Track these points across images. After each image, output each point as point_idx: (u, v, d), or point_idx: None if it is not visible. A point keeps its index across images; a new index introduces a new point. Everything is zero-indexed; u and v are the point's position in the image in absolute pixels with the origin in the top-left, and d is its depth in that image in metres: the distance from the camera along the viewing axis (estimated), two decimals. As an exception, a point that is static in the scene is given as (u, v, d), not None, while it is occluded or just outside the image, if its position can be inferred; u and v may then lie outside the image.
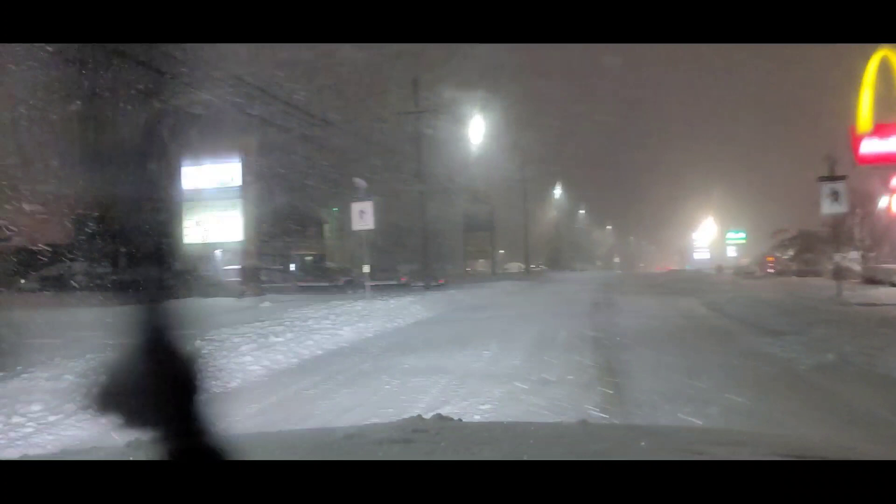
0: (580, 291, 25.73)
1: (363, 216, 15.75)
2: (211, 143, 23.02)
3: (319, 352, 9.58)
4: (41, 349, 9.86)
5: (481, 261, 55.69)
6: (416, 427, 1.69)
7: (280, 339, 9.75)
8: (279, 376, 7.78)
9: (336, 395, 6.51)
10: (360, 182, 16.79)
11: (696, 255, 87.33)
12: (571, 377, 6.97)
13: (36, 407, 5.78)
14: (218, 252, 23.49)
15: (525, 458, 1.34)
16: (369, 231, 16.15)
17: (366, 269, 16.73)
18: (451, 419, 2.02)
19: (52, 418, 5.56)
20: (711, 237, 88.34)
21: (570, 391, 6.28)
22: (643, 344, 9.51)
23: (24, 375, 7.31)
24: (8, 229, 30.80)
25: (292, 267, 40.17)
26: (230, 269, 22.89)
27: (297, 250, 43.14)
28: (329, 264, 47.23)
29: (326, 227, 54.33)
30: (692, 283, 31.14)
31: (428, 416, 1.98)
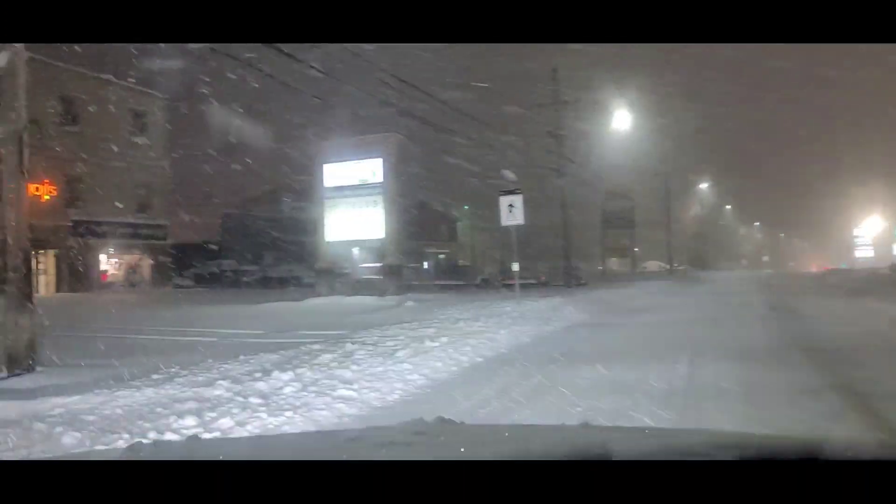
0: (743, 293, 23.44)
1: (512, 210, 14.71)
2: (352, 138, 22.91)
3: (479, 359, 8.63)
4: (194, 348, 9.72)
5: (613, 259, 53.25)
6: (417, 430, 1.66)
7: (436, 344, 8.91)
8: (443, 388, 6.87)
9: (516, 417, 5.49)
10: (508, 174, 15.79)
11: (859, 253, 79.65)
12: (826, 407, 5.52)
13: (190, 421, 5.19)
14: (355, 250, 23.33)
15: (525, 459, 1.28)
16: (519, 226, 15.07)
17: (515, 267, 15.69)
18: (454, 421, 2.00)
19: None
20: (876, 234, 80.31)
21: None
22: (878, 358, 7.83)
23: (179, 379, 6.88)
24: (161, 228, 32.45)
25: (425, 265, 40.06)
26: (368, 266, 22.63)
27: (430, 248, 43.06)
28: (462, 262, 46.75)
29: (459, 226, 54.07)
30: (868, 283, 27.66)
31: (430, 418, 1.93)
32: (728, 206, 78.96)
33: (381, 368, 7.26)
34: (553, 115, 27.87)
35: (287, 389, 6.25)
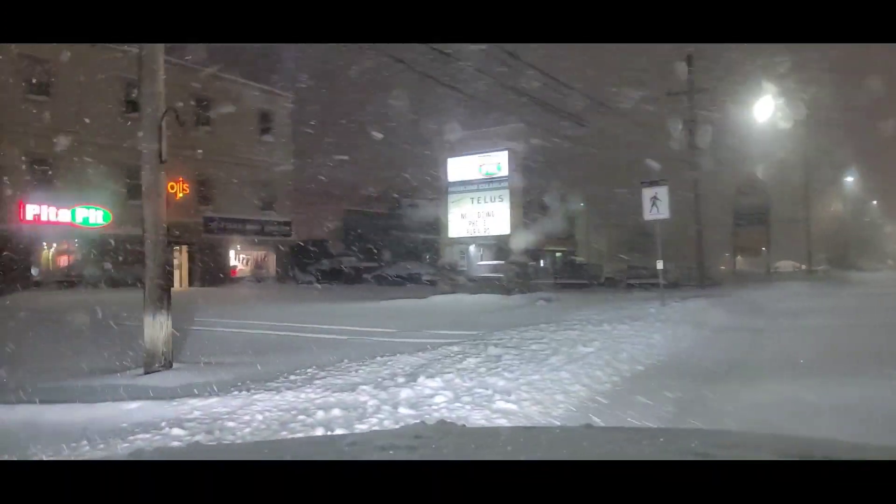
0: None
1: (656, 204, 13.48)
2: (477, 130, 22.14)
3: (639, 367, 7.64)
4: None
5: (739, 258, 49.75)
6: (418, 433, 1.64)
7: (590, 350, 7.98)
8: (611, 403, 5.96)
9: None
10: (653, 165, 14.56)
11: None
12: None
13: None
14: (472, 248, 22.62)
15: (526, 459, 1.29)
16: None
17: (660, 265, 14.45)
18: (455, 424, 1.92)
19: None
20: None
21: None
22: None
23: (318, 381, 6.35)
24: (286, 225, 33.15)
25: (541, 263, 38.87)
26: (491, 264, 21.84)
27: (547, 246, 41.77)
28: (580, 260, 45.19)
29: (576, 222, 52.42)
30: None
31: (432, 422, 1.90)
32: (874, 202, 72.36)
33: (536, 377, 6.42)
34: (686, 104, 26.09)
35: (438, 399, 5.55)
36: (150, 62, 7.45)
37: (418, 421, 1.87)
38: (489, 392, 5.77)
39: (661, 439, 1.63)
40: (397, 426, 4.74)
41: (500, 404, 5.43)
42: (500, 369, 6.73)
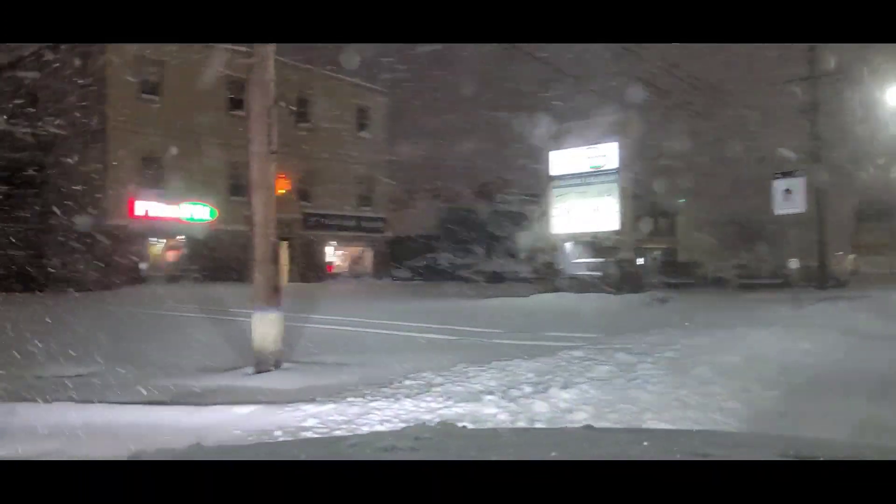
0: None
1: (789, 196, 12.22)
2: (582, 120, 21.05)
3: (798, 380, 6.66)
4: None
5: (850, 257, 45.99)
6: (419, 434, 1.63)
7: (734, 359, 7.07)
8: (780, 425, 5.10)
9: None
10: (787, 153, 13.29)
11: None
12: None
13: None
14: (570, 245, 21.61)
15: (527, 459, 1.27)
16: (799, 215, 12.55)
17: (793, 264, 13.15)
18: (455, 425, 1.88)
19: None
20: None
21: None
22: None
23: (436, 389, 5.79)
24: (382, 221, 33.11)
25: (640, 261, 37.16)
26: (596, 262, 20.78)
27: (647, 243, 40.06)
28: (684, 259, 43.15)
29: (678, 219, 50.25)
30: None
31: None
32: None
33: (684, 391, 5.63)
34: (809, 91, 24.14)
35: (579, 415, 4.87)
36: (261, 50, 7.12)
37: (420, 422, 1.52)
38: (636, 409, 5.04)
39: (664, 440, 1.60)
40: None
41: (653, 423, 4.70)
42: (639, 381, 5.97)
